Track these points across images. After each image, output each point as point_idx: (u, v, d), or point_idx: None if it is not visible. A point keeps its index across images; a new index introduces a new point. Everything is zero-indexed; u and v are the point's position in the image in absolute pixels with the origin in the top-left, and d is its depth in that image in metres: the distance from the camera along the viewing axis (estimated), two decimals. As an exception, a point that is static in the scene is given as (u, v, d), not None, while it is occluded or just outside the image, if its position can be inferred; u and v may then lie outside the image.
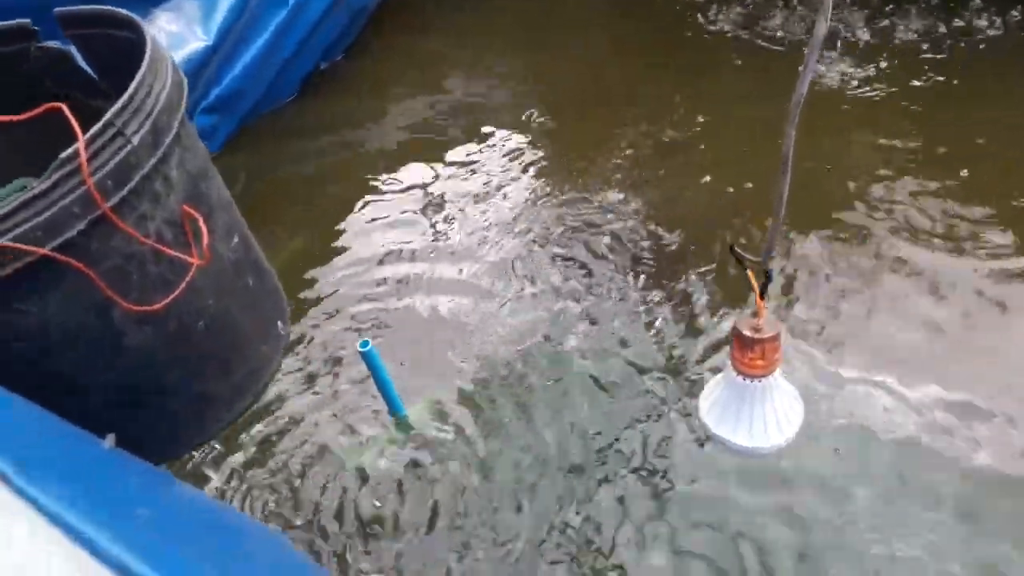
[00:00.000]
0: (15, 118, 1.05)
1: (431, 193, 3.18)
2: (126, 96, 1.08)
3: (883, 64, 3.43)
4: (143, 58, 1.17)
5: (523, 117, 3.50)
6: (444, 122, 3.56)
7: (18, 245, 1.00)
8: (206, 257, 1.18)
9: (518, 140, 3.40)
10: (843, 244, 2.68)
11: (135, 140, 1.08)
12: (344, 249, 2.99)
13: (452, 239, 2.96)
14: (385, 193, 3.23)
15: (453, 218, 3.05)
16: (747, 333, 1.55)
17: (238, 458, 2.33)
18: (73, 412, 1.12)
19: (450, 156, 3.37)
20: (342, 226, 3.10)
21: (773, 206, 1.32)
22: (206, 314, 1.27)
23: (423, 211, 3.11)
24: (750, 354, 1.59)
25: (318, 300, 2.78)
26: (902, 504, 2.01)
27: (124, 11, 1.28)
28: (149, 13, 3.00)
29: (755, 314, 1.55)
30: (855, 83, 3.35)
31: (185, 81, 1.24)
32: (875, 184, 2.88)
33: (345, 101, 3.73)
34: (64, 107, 1.04)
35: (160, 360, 1.24)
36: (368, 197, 3.22)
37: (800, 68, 1.13)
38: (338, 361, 2.58)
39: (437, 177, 3.27)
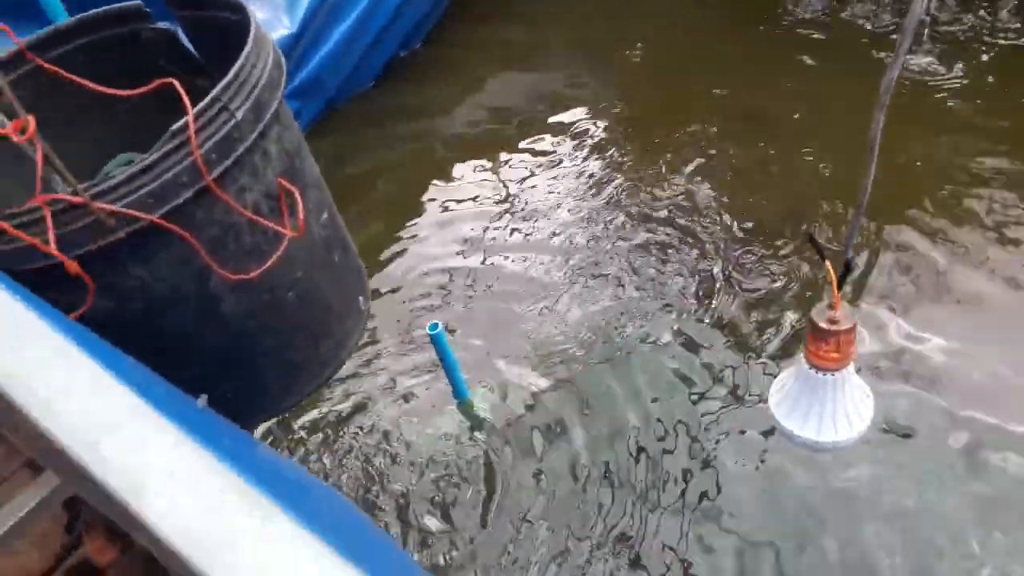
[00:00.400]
0: (131, 92, 1.11)
1: (506, 180, 3.22)
2: (232, 73, 1.14)
3: (978, 58, 3.33)
4: (245, 39, 1.23)
5: (599, 105, 3.51)
6: (520, 109, 3.59)
7: (131, 211, 1.06)
8: (300, 230, 1.23)
9: (594, 127, 3.41)
10: (927, 241, 2.62)
11: (239, 115, 1.14)
12: (420, 233, 3.06)
13: (525, 225, 2.99)
14: (460, 178, 3.28)
15: (526, 205, 3.08)
16: (823, 325, 1.54)
17: (306, 433, 2.42)
18: (170, 372, 1.19)
19: (526, 143, 3.40)
20: (418, 210, 3.17)
21: (858, 194, 1.31)
22: (297, 285, 1.32)
23: (497, 197, 3.15)
24: (824, 346, 1.57)
25: (392, 281, 2.85)
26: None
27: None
28: None
29: (831, 305, 1.54)
30: (947, 76, 3.26)
31: (283, 61, 1.30)
32: (964, 183, 2.80)
33: (424, 88, 3.79)
34: (175, 82, 1.10)
35: (252, 327, 1.30)
36: (444, 182, 3.28)
37: (891, 52, 1.12)
38: (408, 341, 2.64)
39: (512, 164, 3.30)
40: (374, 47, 3.61)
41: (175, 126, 1.08)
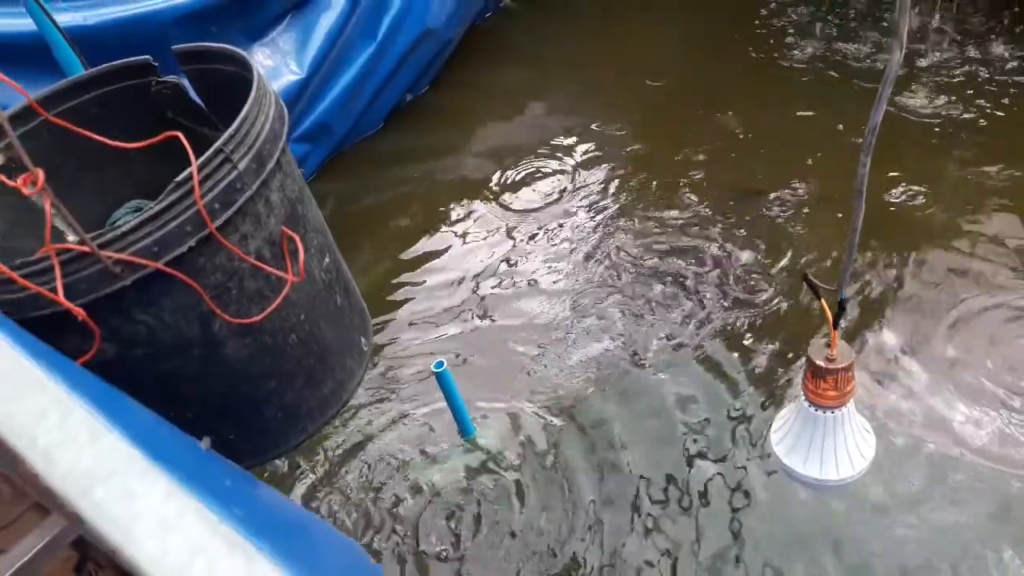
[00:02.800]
0: (138, 145, 1.16)
1: (511, 219, 3.26)
2: (234, 126, 1.18)
3: (974, 91, 3.37)
4: (250, 91, 1.28)
5: (603, 145, 3.56)
6: (525, 150, 3.64)
7: (136, 259, 1.10)
8: (301, 275, 1.26)
9: (598, 167, 3.45)
10: (927, 275, 2.64)
11: (241, 166, 1.18)
12: (425, 273, 3.09)
13: (529, 266, 3.02)
14: (465, 220, 3.32)
15: (530, 245, 3.12)
16: (820, 363, 1.55)
17: (313, 469, 2.43)
18: (174, 415, 1.22)
19: (530, 184, 3.45)
20: (424, 250, 3.21)
21: (848, 237, 1.34)
22: (299, 328, 1.35)
23: (501, 237, 3.19)
24: (823, 384, 1.59)
25: (398, 321, 2.88)
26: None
27: (233, 47, 1.39)
28: (248, 48, 3.19)
29: (829, 344, 1.55)
30: (947, 111, 3.30)
31: (286, 113, 1.34)
32: (964, 215, 2.82)
33: (430, 132, 3.86)
34: (180, 135, 1.14)
35: (255, 370, 1.33)
36: (449, 224, 3.32)
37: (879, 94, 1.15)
38: (414, 380, 2.66)
39: (517, 204, 3.35)
40: (381, 92, 3.68)
41: (179, 177, 1.12)
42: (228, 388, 1.32)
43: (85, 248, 1.07)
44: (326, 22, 3.29)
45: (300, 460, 2.45)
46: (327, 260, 1.43)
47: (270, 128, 1.25)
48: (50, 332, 1.09)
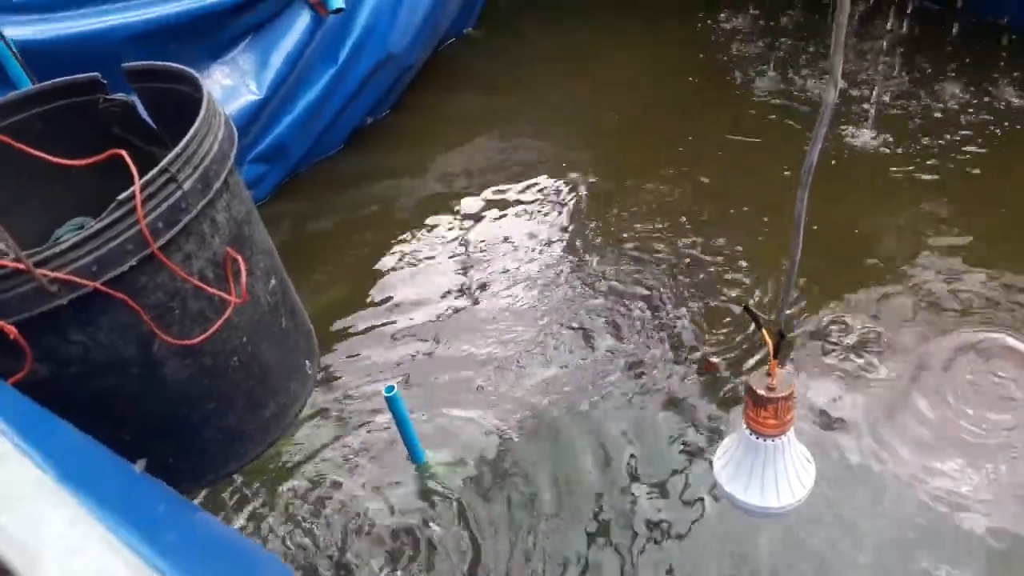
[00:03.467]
0: (80, 163, 1.15)
1: (466, 244, 3.28)
2: (181, 145, 1.18)
3: (921, 135, 3.48)
4: (199, 111, 1.28)
5: (563, 170, 3.61)
6: (482, 177, 3.67)
7: (73, 278, 1.09)
8: (244, 297, 1.26)
9: (558, 192, 3.49)
10: (863, 306, 2.70)
11: (186, 186, 1.17)
12: (380, 295, 3.08)
13: (485, 289, 3.03)
14: (422, 243, 3.33)
15: (486, 269, 3.13)
16: (760, 392, 1.58)
17: (258, 494, 2.40)
18: (109, 437, 1.20)
19: (486, 209, 3.47)
20: (379, 273, 3.20)
21: (787, 268, 1.37)
22: (240, 351, 1.34)
23: (457, 261, 3.20)
24: (763, 413, 1.62)
25: (351, 344, 2.86)
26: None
27: (184, 67, 1.39)
28: (207, 67, 3.17)
29: (769, 373, 1.59)
30: (889, 151, 3.40)
31: (235, 134, 1.34)
32: (903, 251, 2.90)
33: (389, 155, 3.87)
34: (124, 153, 1.14)
35: (194, 392, 1.31)
36: (405, 247, 3.32)
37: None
38: (365, 404, 2.64)
39: (472, 229, 3.36)
40: (341, 115, 3.69)
41: (122, 195, 1.11)
42: (166, 409, 1.31)
43: (20, 265, 1.06)
44: (287, 43, 3.29)
45: (240, 483, 2.41)
46: (273, 282, 1.43)
47: (218, 148, 1.24)
48: (-21, 350, 1.07)
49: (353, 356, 2.82)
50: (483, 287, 3.05)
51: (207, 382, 1.32)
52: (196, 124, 1.22)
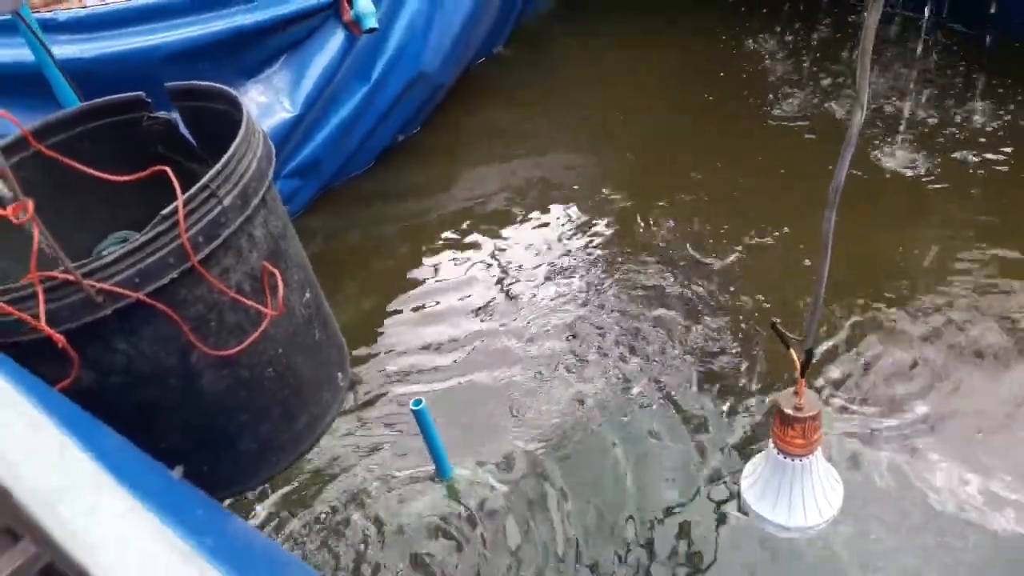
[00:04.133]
0: (127, 178, 1.19)
1: (495, 261, 3.31)
2: (221, 163, 1.22)
3: (945, 149, 3.46)
4: (239, 129, 1.32)
5: (590, 189, 3.63)
6: (510, 194, 3.70)
7: (116, 288, 1.13)
8: (280, 309, 1.29)
9: (584, 211, 3.51)
10: (891, 326, 2.69)
11: (226, 202, 1.21)
12: (408, 310, 3.12)
13: (511, 306, 3.05)
14: (451, 259, 3.36)
15: (515, 286, 3.15)
16: (788, 411, 1.59)
17: (285, 501, 2.43)
18: (149, 443, 1.23)
19: (515, 227, 3.50)
20: (407, 288, 3.24)
21: (813, 287, 1.38)
22: (276, 362, 1.38)
23: (486, 278, 3.22)
24: (791, 432, 1.62)
25: (379, 357, 2.90)
26: None
27: (224, 87, 1.44)
28: (242, 85, 3.25)
29: (796, 392, 1.59)
30: (918, 169, 3.39)
31: (273, 151, 1.38)
32: (930, 270, 2.89)
33: (419, 172, 3.92)
34: (168, 170, 1.18)
35: (230, 402, 1.35)
36: (433, 262, 3.36)
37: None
38: (393, 417, 2.67)
39: (501, 247, 3.39)
40: (373, 132, 3.74)
41: (165, 210, 1.15)
42: (203, 419, 1.34)
43: (69, 276, 1.10)
44: (321, 62, 3.35)
45: (269, 491, 2.45)
46: (307, 295, 1.46)
47: (257, 166, 1.28)
48: (31, 358, 1.12)
49: (380, 370, 2.85)
50: (510, 304, 3.07)
51: (243, 393, 1.35)
52: (236, 142, 1.26)
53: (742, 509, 2.18)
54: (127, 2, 2.88)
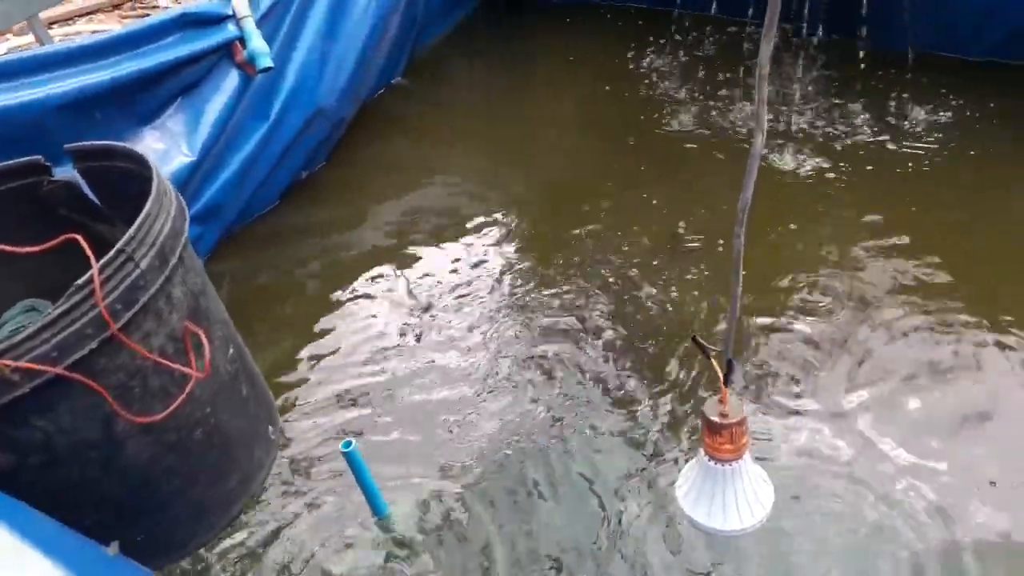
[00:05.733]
0: (34, 249, 1.14)
1: (410, 294, 3.29)
2: (135, 226, 1.18)
3: (836, 154, 3.68)
4: (147, 188, 1.29)
5: (496, 218, 3.66)
6: (420, 225, 3.70)
7: (35, 366, 1.08)
8: (207, 371, 1.26)
9: (493, 237, 3.54)
10: (806, 329, 2.83)
11: (143, 264, 1.18)
12: (326, 350, 3.07)
13: (433, 338, 3.05)
14: (365, 295, 3.33)
15: (433, 317, 3.15)
16: (714, 419, 1.65)
17: (224, 562, 2.34)
18: (76, 520, 1.18)
19: (427, 258, 3.49)
20: (324, 328, 3.19)
21: (731, 301, 1.44)
22: (203, 423, 1.34)
23: (406, 309, 3.21)
24: (719, 439, 1.68)
25: (301, 401, 2.84)
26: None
27: (128, 146, 1.40)
28: (138, 131, 3.14)
29: (721, 400, 1.65)
30: (805, 168, 3.59)
31: (185, 207, 1.35)
32: (830, 267, 3.05)
33: (325, 208, 3.87)
34: (80, 238, 1.14)
35: (159, 469, 1.30)
36: (348, 299, 3.32)
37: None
38: (321, 461, 2.62)
39: (415, 276, 3.38)
40: (275, 171, 3.68)
41: (80, 280, 1.11)
42: (131, 489, 1.29)
43: (-20, 358, 1.05)
44: (217, 104, 3.27)
45: (207, 556, 2.36)
46: (231, 351, 1.43)
47: (171, 225, 1.26)
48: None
49: (301, 414, 2.79)
50: (430, 333, 3.06)
51: (171, 458, 1.31)
52: (148, 203, 1.23)
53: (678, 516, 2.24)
54: (4, 55, 2.76)
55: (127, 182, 1.42)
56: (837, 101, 4.06)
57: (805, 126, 3.91)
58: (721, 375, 1.63)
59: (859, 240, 3.17)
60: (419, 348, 3.01)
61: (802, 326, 2.83)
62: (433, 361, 2.95)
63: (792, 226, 3.28)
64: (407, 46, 4.79)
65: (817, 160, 3.67)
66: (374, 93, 4.58)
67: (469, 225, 3.66)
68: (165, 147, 3.16)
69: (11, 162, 1.41)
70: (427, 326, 3.11)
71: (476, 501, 2.44)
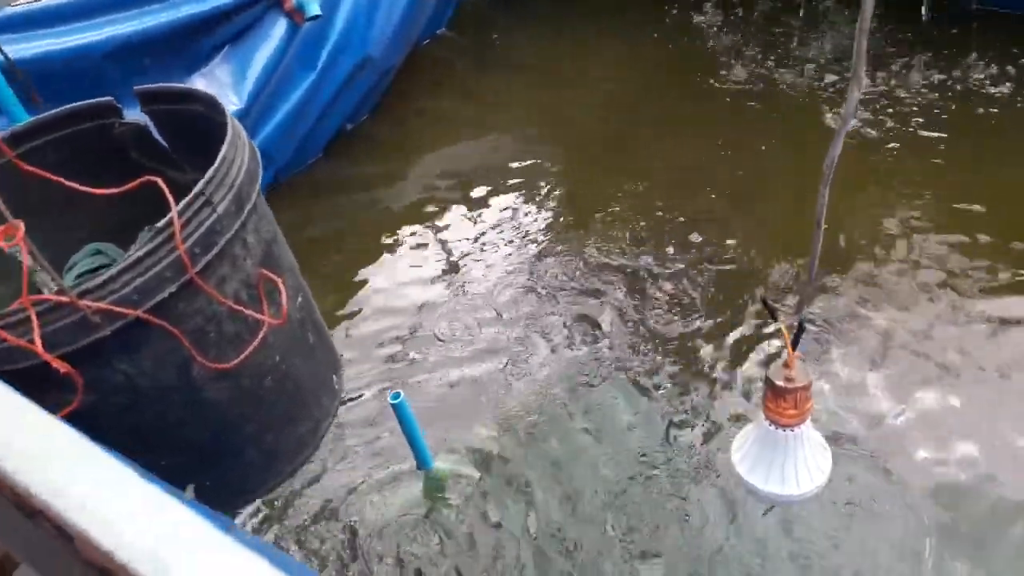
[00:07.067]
0: (114, 191, 1.13)
1: (455, 246, 3.28)
2: (213, 168, 1.17)
3: (891, 118, 3.56)
4: (215, 130, 1.27)
5: (543, 173, 3.62)
6: (465, 178, 3.67)
7: (117, 308, 1.08)
8: (283, 318, 1.25)
9: (538, 194, 3.50)
10: (870, 293, 2.75)
11: (220, 209, 1.17)
12: (370, 303, 3.08)
13: (475, 290, 3.04)
14: (406, 248, 3.32)
15: (477, 270, 3.14)
16: (779, 383, 1.61)
17: (271, 504, 2.38)
18: (153, 464, 1.19)
19: (466, 213, 3.47)
20: (367, 280, 3.19)
21: (808, 263, 1.40)
22: (274, 370, 1.34)
23: (447, 264, 3.20)
24: (782, 403, 1.65)
25: (348, 352, 2.85)
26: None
27: (201, 89, 1.38)
28: (186, 79, 3.13)
29: (787, 364, 1.62)
30: (865, 137, 3.47)
31: (258, 152, 1.34)
32: (889, 236, 2.97)
33: (370, 161, 3.85)
34: (160, 181, 1.13)
35: (233, 414, 1.31)
36: (390, 252, 3.32)
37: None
38: (369, 412, 2.64)
39: (460, 231, 3.36)
40: (320, 121, 3.66)
41: (160, 223, 1.10)
42: (207, 434, 1.30)
43: (64, 298, 1.04)
44: (265, 52, 3.25)
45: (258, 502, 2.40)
46: (300, 299, 1.43)
47: (247, 169, 1.24)
48: (28, 384, 1.06)
49: (349, 366, 2.80)
50: (469, 289, 3.05)
51: (245, 403, 1.31)
52: (226, 144, 1.21)
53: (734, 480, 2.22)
54: (59, -1, 2.75)
55: (197, 125, 1.40)
56: (901, 58, 3.93)
57: (867, 83, 3.78)
58: (788, 338, 1.59)
59: (925, 203, 3.07)
60: (460, 299, 3.01)
61: (862, 290, 2.77)
62: (473, 313, 2.94)
63: (857, 189, 3.19)
64: (454, -4, 4.72)
65: (881, 118, 3.56)
66: (420, 43, 4.52)
67: (510, 184, 3.61)
68: (213, 95, 3.13)
69: (83, 103, 1.40)
70: (468, 279, 3.10)
71: (519, 452, 2.44)
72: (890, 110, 3.62)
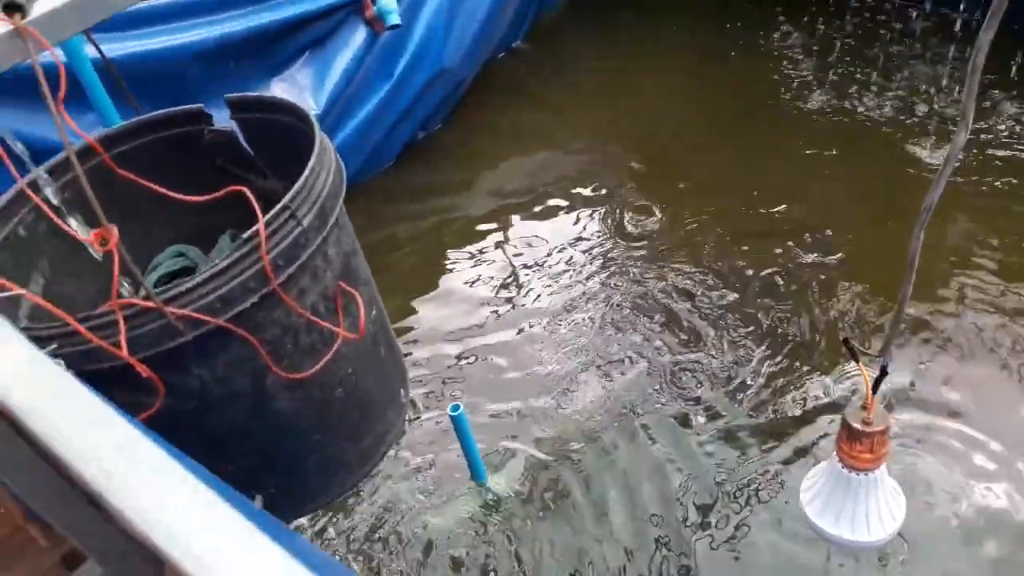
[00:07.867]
0: (202, 199, 1.15)
1: (521, 259, 3.27)
2: (300, 182, 1.18)
3: (975, 144, 3.44)
4: (302, 141, 1.28)
5: (613, 188, 3.59)
6: (534, 190, 3.66)
7: (201, 316, 1.09)
8: (361, 331, 1.26)
9: (607, 210, 3.47)
10: (946, 338, 2.66)
11: (305, 222, 1.18)
12: (436, 311, 3.09)
13: (539, 305, 3.02)
14: (473, 259, 3.33)
15: (541, 285, 3.12)
16: (856, 426, 1.56)
17: (325, 512, 2.40)
18: (220, 469, 1.20)
19: (539, 223, 3.46)
20: (434, 287, 3.21)
21: (898, 305, 1.35)
22: (345, 382, 1.35)
23: (511, 277, 3.19)
24: (858, 447, 1.59)
25: (409, 360, 2.86)
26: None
27: (289, 100, 1.40)
28: (266, 83, 3.19)
29: (865, 407, 1.56)
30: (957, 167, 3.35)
31: (343, 167, 1.35)
32: (974, 271, 2.86)
33: (441, 170, 3.88)
34: (247, 190, 1.14)
35: (302, 424, 1.32)
36: (459, 261, 3.33)
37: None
38: (425, 422, 2.64)
39: (526, 243, 3.36)
40: (394, 129, 3.69)
41: (246, 234, 1.12)
42: (274, 442, 1.31)
43: (151, 304, 1.06)
44: (344, 59, 3.30)
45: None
46: (374, 312, 1.43)
47: (332, 183, 1.25)
48: (108, 386, 1.08)
49: (411, 374, 2.81)
50: (532, 306, 3.04)
51: (314, 413, 1.32)
52: (313, 158, 1.22)
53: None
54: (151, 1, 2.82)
55: (284, 136, 1.42)
56: (985, 94, 3.79)
57: (947, 118, 3.66)
58: (869, 381, 1.54)
59: (1002, 239, 2.96)
60: (523, 316, 2.99)
61: (947, 323, 2.67)
62: (536, 330, 2.93)
63: (937, 221, 3.08)
64: (531, 10, 4.71)
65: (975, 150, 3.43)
66: (496, 56, 4.54)
67: (580, 197, 3.59)
68: (291, 98, 3.18)
69: (179, 108, 1.43)
70: (532, 294, 3.09)
71: (569, 477, 2.42)
72: (983, 141, 3.50)
